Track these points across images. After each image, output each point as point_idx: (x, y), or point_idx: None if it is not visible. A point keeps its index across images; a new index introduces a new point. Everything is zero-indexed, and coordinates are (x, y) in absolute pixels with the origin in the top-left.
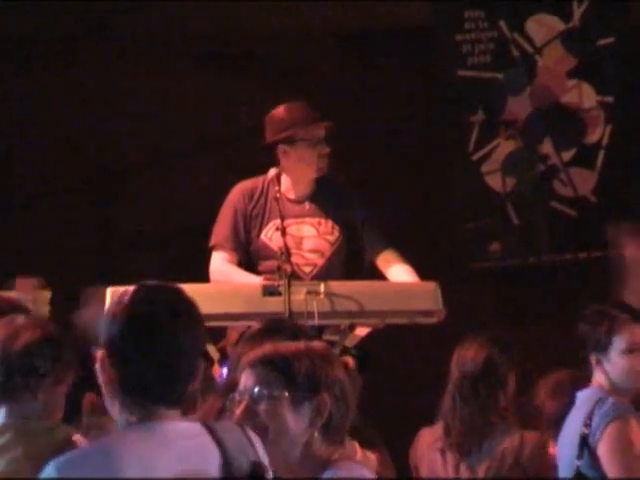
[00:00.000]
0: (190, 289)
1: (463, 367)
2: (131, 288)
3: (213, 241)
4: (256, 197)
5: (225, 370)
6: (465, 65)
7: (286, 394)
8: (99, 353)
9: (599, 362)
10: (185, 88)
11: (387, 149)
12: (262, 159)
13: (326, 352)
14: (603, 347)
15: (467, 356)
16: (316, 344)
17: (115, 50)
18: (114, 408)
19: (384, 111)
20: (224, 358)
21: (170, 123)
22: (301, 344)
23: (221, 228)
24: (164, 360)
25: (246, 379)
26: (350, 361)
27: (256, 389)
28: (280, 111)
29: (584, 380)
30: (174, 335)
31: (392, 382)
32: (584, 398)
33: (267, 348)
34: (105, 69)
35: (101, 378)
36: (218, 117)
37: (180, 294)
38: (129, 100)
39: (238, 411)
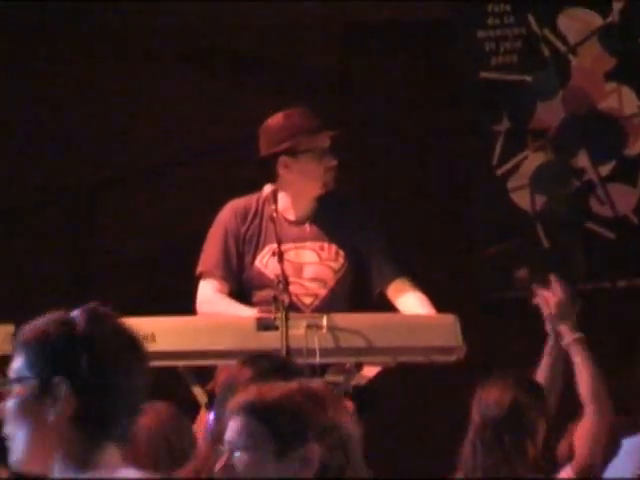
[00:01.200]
0: (175, 322)
1: (485, 411)
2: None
3: (201, 268)
4: (250, 217)
5: (212, 416)
6: (488, 66)
7: (269, 446)
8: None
9: None
10: (169, 92)
11: (395, 161)
12: (258, 173)
13: (321, 393)
14: None
15: (490, 399)
16: (311, 384)
17: (89, 49)
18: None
19: (392, 118)
20: (213, 402)
21: (152, 132)
22: (293, 385)
23: (210, 253)
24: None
25: (230, 429)
26: (348, 404)
27: (237, 441)
28: (278, 119)
29: (628, 426)
30: (115, 369)
31: (402, 428)
32: (637, 446)
33: (251, 392)
34: (78, 71)
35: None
36: (207, 125)
37: (121, 324)
38: (106, 105)
39: (218, 465)
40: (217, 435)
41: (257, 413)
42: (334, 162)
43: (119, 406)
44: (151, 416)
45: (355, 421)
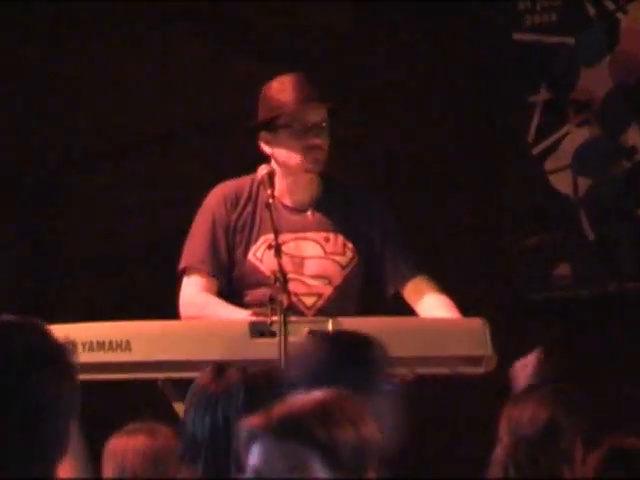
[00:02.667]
0: (153, 328)
1: (518, 430)
2: None
3: (184, 263)
4: (242, 203)
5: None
6: (523, 26)
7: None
8: None
9: None
10: (151, 58)
11: (417, 141)
12: (253, 153)
13: (355, 406)
14: None
15: (524, 416)
16: (335, 394)
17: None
18: None
19: (411, 90)
20: None
21: (129, 107)
22: (322, 396)
23: (195, 246)
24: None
25: (267, 456)
26: None
27: (284, 472)
28: (271, 86)
29: None
30: (36, 389)
31: (423, 448)
32: None
33: (294, 409)
34: (40, 40)
35: None
36: (195, 98)
37: (45, 333)
38: (73, 81)
39: None
40: (182, 459)
41: (312, 436)
42: (317, 140)
43: (43, 428)
44: (143, 439)
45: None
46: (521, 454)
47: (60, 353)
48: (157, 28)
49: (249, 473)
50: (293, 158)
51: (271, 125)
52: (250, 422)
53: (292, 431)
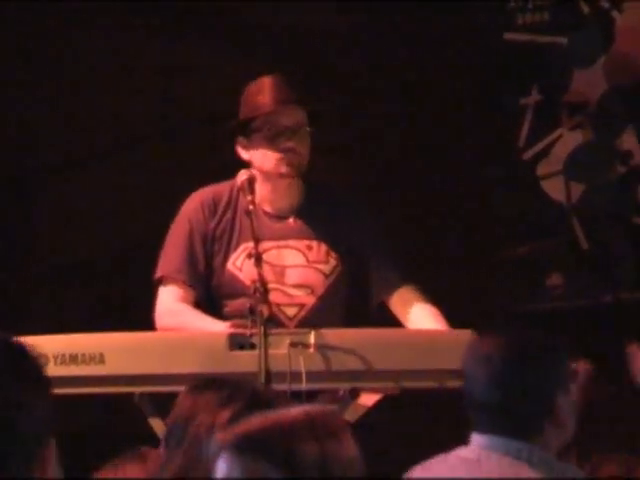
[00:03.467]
0: (128, 339)
1: None
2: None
3: (160, 272)
4: (221, 210)
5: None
6: (514, 25)
7: None
8: None
9: None
10: (132, 58)
11: (404, 144)
12: (232, 158)
13: (334, 421)
14: None
15: None
16: (317, 410)
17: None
18: None
19: (398, 89)
20: None
21: (107, 109)
22: (300, 412)
23: (171, 254)
24: None
25: (229, 471)
26: None
27: None
28: (249, 88)
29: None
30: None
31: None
32: None
33: (256, 423)
34: (23, 39)
35: None
36: (173, 101)
37: (18, 347)
38: (47, 84)
39: None
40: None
41: (272, 451)
42: (289, 143)
43: (12, 445)
44: (131, 468)
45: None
46: None
47: (33, 368)
48: (137, 31)
49: None
50: (267, 163)
51: (247, 128)
52: (217, 437)
53: (250, 446)
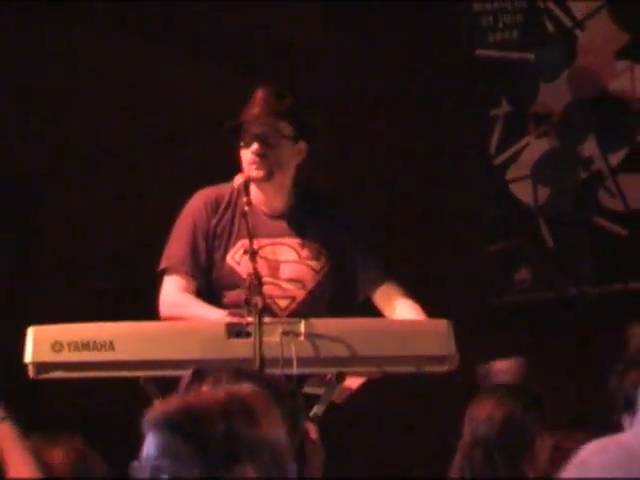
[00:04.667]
0: (135, 328)
1: (475, 430)
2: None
3: (165, 263)
4: (222, 209)
5: None
6: (485, 42)
7: (196, 469)
8: None
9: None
10: (130, 67)
11: (383, 151)
12: (231, 160)
13: (252, 402)
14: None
15: (480, 415)
16: (239, 391)
17: (43, 22)
18: None
19: (377, 101)
20: None
21: (109, 114)
22: (220, 394)
23: (175, 247)
24: None
25: (148, 444)
26: (312, 428)
27: (159, 461)
28: (251, 97)
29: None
30: None
31: (385, 450)
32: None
33: (174, 403)
34: (24, 45)
35: None
36: (172, 108)
37: None
38: (54, 89)
39: None
40: None
41: (181, 430)
42: (255, 147)
43: None
44: (57, 454)
45: (318, 446)
46: (478, 453)
47: None
48: (135, 41)
49: (143, 462)
50: (245, 167)
51: (240, 136)
52: (148, 416)
53: (163, 423)
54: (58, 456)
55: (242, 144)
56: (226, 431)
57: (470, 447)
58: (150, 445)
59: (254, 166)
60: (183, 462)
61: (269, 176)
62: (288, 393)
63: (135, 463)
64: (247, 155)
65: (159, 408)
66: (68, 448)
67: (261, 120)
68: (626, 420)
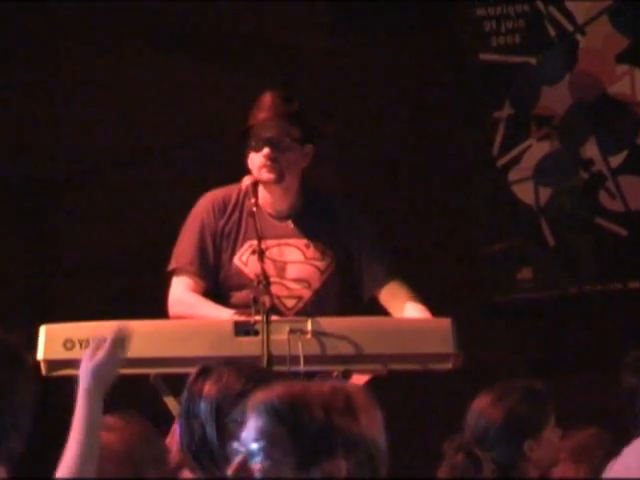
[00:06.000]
0: (145, 326)
1: (477, 425)
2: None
3: (174, 264)
4: (229, 211)
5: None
6: (489, 47)
7: (290, 456)
8: None
9: None
10: (141, 76)
11: (387, 153)
12: (238, 165)
13: (355, 399)
14: None
15: (483, 411)
16: (346, 386)
17: (49, 30)
18: None
19: (383, 105)
20: None
21: (121, 121)
22: (326, 386)
23: (184, 248)
24: None
25: (248, 427)
26: None
27: (254, 444)
28: (255, 102)
29: (615, 443)
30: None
31: (394, 448)
32: (636, 451)
33: (278, 390)
34: (36, 53)
35: None
36: (183, 112)
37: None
38: (70, 93)
39: (231, 467)
40: (187, 446)
41: (280, 415)
42: (266, 151)
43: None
44: (115, 434)
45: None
46: (478, 449)
47: (15, 354)
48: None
49: (238, 444)
50: (254, 170)
51: (247, 140)
52: (250, 400)
53: (264, 408)
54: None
55: (251, 147)
56: (325, 423)
57: (470, 443)
58: (250, 429)
59: (265, 169)
60: (278, 447)
61: (280, 179)
62: None
63: (234, 444)
64: (257, 158)
65: (262, 394)
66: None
67: (272, 124)
68: None
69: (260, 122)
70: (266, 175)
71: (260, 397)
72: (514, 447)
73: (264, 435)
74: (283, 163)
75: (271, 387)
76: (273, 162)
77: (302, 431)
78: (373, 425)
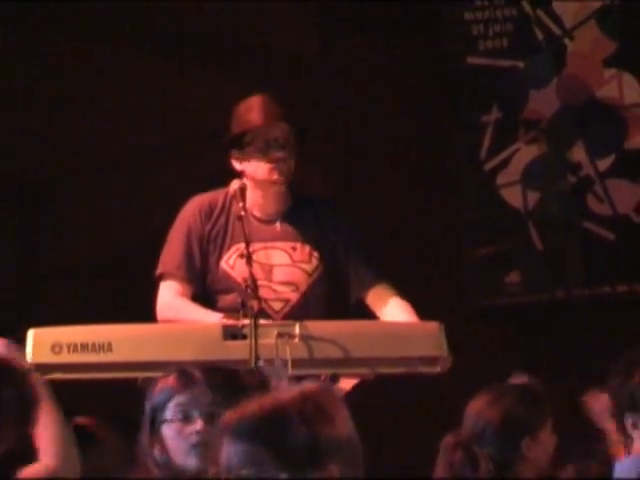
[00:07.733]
0: (133, 330)
1: (474, 426)
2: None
3: (161, 269)
4: (216, 215)
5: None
6: (476, 51)
7: (283, 473)
8: None
9: (636, 425)
10: (125, 79)
11: (377, 156)
12: (224, 169)
13: (325, 401)
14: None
15: (480, 412)
16: (312, 390)
17: (32, 34)
18: None
19: (373, 107)
20: None
21: (106, 125)
22: (292, 394)
23: (171, 253)
24: None
25: (228, 453)
26: None
27: (244, 471)
28: (240, 107)
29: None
30: None
31: (381, 449)
32: (626, 471)
33: (248, 409)
34: (25, 51)
35: None
36: (170, 116)
37: None
38: (54, 97)
39: None
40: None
41: (264, 439)
42: (279, 153)
43: None
44: None
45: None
46: (475, 449)
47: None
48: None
49: (225, 471)
50: (260, 172)
51: (240, 142)
52: (221, 422)
53: (244, 432)
54: None
55: (251, 150)
56: (308, 435)
57: (468, 443)
58: (231, 455)
59: (277, 171)
60: (270, 470)
61: (287, 179)
62: (255, 385)
63: (220, 472)
64: (265, 161)
65: (234, 415)
66: None
67: (276, 126)
68: (629, 419)
69: (262, 125)
70: (277, 177)
71: (234, 419)
72: (512, 446)
73: (251, 461)
74: (289, 163)
75: (240, 406)
76: (284, 163)
77: (289, 448)
78: (345, 422)
